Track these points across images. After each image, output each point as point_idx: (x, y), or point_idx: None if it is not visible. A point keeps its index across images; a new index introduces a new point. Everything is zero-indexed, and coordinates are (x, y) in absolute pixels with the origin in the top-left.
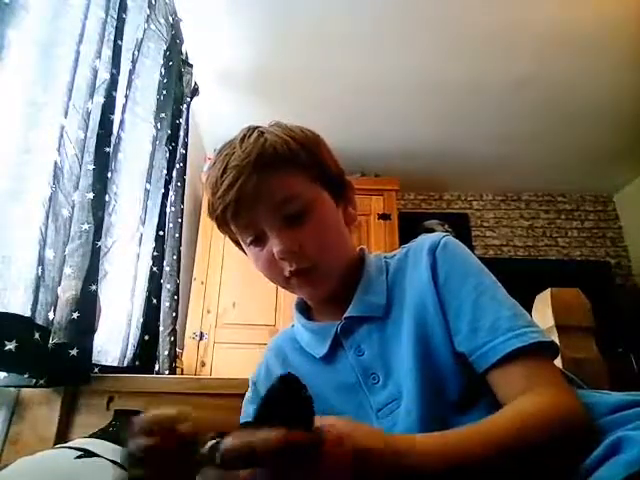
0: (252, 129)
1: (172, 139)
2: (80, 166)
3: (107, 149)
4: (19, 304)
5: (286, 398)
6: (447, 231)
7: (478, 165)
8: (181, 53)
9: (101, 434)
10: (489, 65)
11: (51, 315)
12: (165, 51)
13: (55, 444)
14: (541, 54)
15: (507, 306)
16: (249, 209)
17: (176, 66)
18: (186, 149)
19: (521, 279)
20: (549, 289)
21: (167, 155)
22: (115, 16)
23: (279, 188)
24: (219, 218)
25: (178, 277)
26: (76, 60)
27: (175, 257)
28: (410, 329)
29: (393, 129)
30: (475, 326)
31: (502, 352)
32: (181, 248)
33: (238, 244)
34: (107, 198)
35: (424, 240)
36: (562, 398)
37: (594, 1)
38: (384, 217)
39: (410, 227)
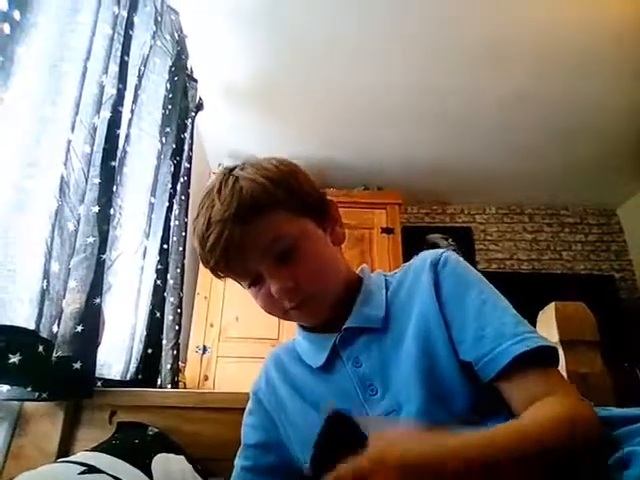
0: (227, 175)
1: (177, 153)
2: (86, 180)
3: (113, 163)
4: (24, 317)
5: (340, 436)
6: (450, 245)
7: (481, 179)
8: (186, 68)
9: (103, 448)
10: (490, 79)
11: (55, 328)
12: (171, 67)
13: (57, 458)
14: (540, 68)
15: (510, 314)
16: (239, 258)
17: (181, 81)
18: (190, 163)
19: (525, 293)
20: (553, 303)
21: (172, 169)
22: (122, 33)
23: (264, 232)
24: (214, 270)
25: (182, 291)
26: (83, 76)
27: (179, 270)
28: (412, 343)
29: (396, 143)
30: (480, 334)
31: (509, 356)
32: (185, 262)
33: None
34: (112, 211)
35: (425, 256)
36: (581, 408)
37: (591, 18)
38: (387, 231)
39: (413, 241)
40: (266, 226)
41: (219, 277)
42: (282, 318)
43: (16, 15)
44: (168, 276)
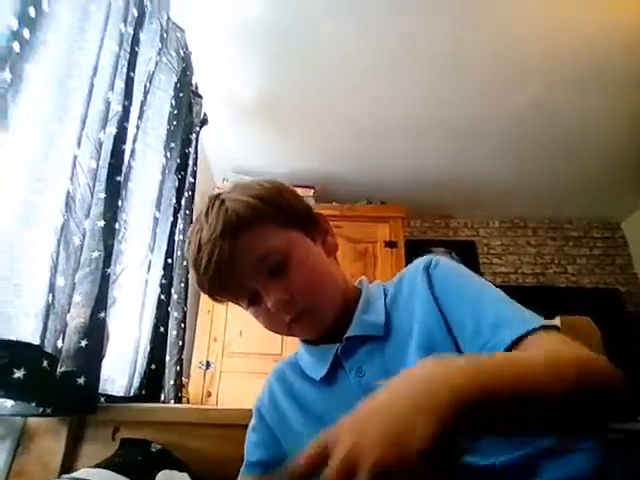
0: (213, 199)
1: (181, 168)
2: (92, 194)
3: (118, 178)
4: (29, 331)
5: None
6: (453, 259)
7: (484, 192)
8: (191, 84)
9: (107, 464)
10: (494, 94)
11: (60, 343)
12: (176, 83)
13: (60, 474)
14: (544, 83)
15: (506, 301)
16: (232, 276)
17: (186, 97)
18: (195, 178)
19: (530, 307)
20: (558, 317)
21: (176, 184)
22: (128, 49)
23: (253, 248)
24: (211, 293)
25: (185, 305)
26: (90, 92)
27: (183, 285)
28: (415, 348)
29: (399, 157)
30: (477, 328)
31: (509, 340)
32: (189, 276)
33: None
34: (117, 226)
35: (418, 263)
36: (597, 357)
37: (594, 33)
38: (390, 245)
39: (417, 255)
40: (254, 241)
41: (218, 301)
42: (285, 334)
43: (26, 34)
44: (172, 290)
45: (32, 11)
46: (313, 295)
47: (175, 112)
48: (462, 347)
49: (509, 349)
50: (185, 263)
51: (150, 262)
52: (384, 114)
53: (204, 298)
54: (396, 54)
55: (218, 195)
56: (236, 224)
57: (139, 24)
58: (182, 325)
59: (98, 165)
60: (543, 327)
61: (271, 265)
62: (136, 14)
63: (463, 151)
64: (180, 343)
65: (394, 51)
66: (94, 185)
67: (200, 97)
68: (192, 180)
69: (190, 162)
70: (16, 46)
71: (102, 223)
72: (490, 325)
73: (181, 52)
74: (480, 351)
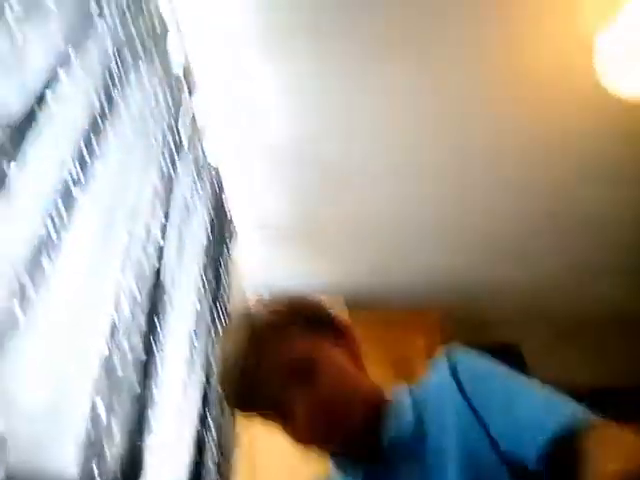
0: (240, 311)
1: (216, 287)
2: (134, 324)
3: (157, 300)
4: (68, 460)
5: None
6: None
7: (530, 296)
8: (223, 208)
9: None
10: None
11: (95, 471)
12: (209, 208)
13: None
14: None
15: (537, 395)
16: (258, 385)
17: (219, 220)
18: (228, 298)
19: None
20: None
21: (211, 301)
22: (167, 181)
23: (279, 355)
24: (240, 406)
25: (221, 443)
26: (133, 220)
27: (219, 414)
28: (456, 468)
29: (433, 264)
30: (514, 428)
31: (551, 432)
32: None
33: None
34: (155, 348)
35: (440, 365)
36: None
37: (592, 115)
38: (427, 352)
39: None
40: (280, 348)
41: (247, 413)
42: (315, 447)
43: (81, 177)
44: (209, 420)
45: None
46: (341, 402)
47: (209, 234)
48: (501, 444)
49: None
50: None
51: (188, 390)
52: (416, 222)
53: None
54: (424, 167)
55: (245, 307)
56: (260, 332)
57: (177, 158)
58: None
59: (140, 294)
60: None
61: (298, 372)
62: (174, 149)
63: (506, 257)
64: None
65: (418, 164)
66: (136, 313)
67: (232, 219)
68: (226, 298)
69: (224, 280)
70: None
71: (142, 346)
72: (525, 428)
73: (214, 181)
74: (519, 456)
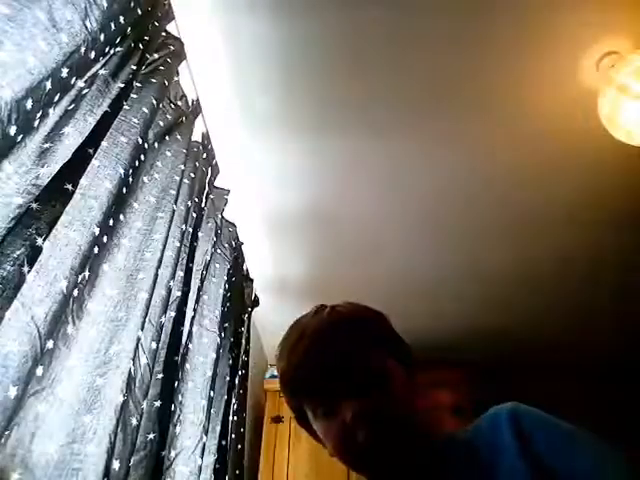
0: (324, 305)
1: (235, 347)
2: (151, 375)
3: (176, 358)
4: None
5: None
6: None
7: (565, 349)
8: (242, 270)
9: None
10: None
11: None
12: (229, 270)
13: None
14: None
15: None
16: (322, 379)
17: (238, 282)
18: (248, 356)
19: None
20: None
21: (230, 362)
22: (188, 245)
23: (351, 358)
24: (292, 390)
25: None
26: (154, 282)
27: (237, 472)
28: None
29: (459, 316)
30: None
31: None
32: (244, 462)
33: (302, 421)
34: (173, 407)
35: (497, 411)
36: None
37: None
38: (459, 411)
39: None
40: (355, 352)
41: (290, 403)
42: (353, 462)
43: (104, 239)
44: (227, 478)
45: (111, 221)
46: (396, 422)
47: (228, 295)
48: None
49: None
50: (240, 447)
51: (204, 445)
52: (434, 277)
53: None
54: (437, 229)
55: (322, 305)
56: (342, 328)
57: (198, 224)
58: None
59: (158, 347)
60: None
61: (363, 381)
62: (195, 216)
63: (532, 307)
64: None
65: (431, 226)
66: (153, 366)
67: (251, 281)
68: (245, 359)
69: (243, 341)
70: (95, 249)
71: (159, 403)
72: None
73: (233, 244)
74: None
